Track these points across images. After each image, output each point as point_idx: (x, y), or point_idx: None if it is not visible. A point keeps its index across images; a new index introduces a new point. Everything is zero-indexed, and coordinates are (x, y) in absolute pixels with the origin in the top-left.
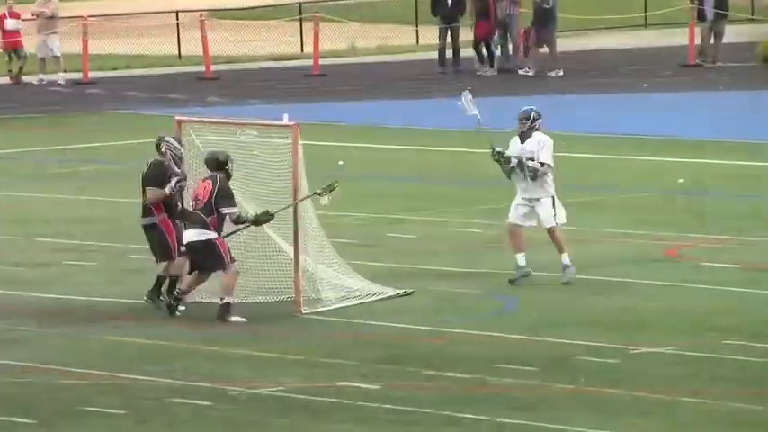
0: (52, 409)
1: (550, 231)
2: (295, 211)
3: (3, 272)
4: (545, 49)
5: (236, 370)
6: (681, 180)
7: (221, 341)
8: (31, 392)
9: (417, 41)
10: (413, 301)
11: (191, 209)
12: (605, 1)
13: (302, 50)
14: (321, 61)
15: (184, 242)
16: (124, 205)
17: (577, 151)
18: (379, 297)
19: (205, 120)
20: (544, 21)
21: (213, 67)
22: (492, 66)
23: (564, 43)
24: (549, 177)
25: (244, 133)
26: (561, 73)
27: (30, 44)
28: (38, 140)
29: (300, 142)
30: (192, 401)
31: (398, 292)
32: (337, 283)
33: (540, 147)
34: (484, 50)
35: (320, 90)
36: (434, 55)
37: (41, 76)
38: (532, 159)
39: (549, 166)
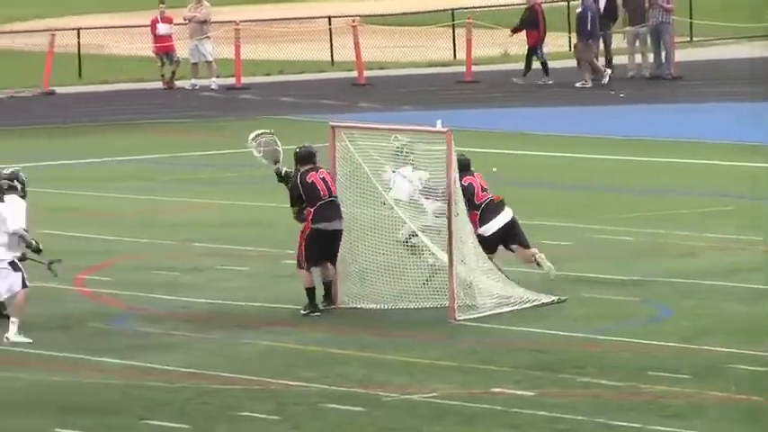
0: (205, 414)
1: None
2: (449, 219)
3: (157, 276)
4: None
5: (389, 376)
6: None
7: (375, 347)
8: (184, 397)
9: (570, 48)
10: (566, 308)
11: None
12: (737, 11)
13: (455, 57)
14: (474, 68)
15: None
16: (276, 210)
17: (715, 158)
18: (533, 304)
19: (358, 125)
20: (585, 33)
21: (366, 73)
22: (547, 74)
23: (698, 52)
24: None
25: (397, 139)
26: (589, 84)
27: (182, 49)
28: (191, 145)
29: (454, 148)
30: (345, 407)
31: (552, 298)
32: (491, 289)
33: None
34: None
35: (473, 96)
36: None
37: (194, 80)
38: None
39: None
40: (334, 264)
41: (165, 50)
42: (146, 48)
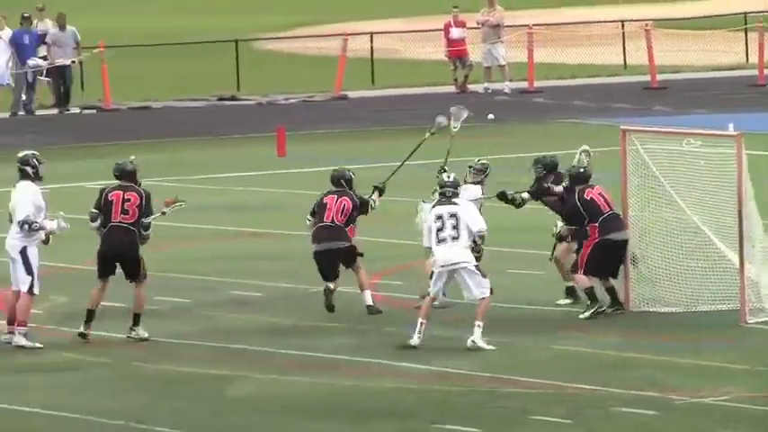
0: (498, 417)
1: None
2: (740, 220)
3: None
4: None
5: (682, 379)
6: None
7: (667, 350)
8: (476, 401)
9: None
10: None
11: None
12: None
13: (747, 60)
14: (766, 71)
15: None
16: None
17: None
18: None
19: (650, 129)
20: None
21: (658, 77)
22: None
23: None
24: None
25: (689, 143)
26: None
27: (475, 53)
28: (484, 149)
29: (745, 152)
30: (637, 411)
31: None
32: None
33: None
34: None
35: (766, 100)
36: None
37: (487, 84)
38: None
39: None
40: (615, 277)
41: (457, 54)
42: (438, 52)
